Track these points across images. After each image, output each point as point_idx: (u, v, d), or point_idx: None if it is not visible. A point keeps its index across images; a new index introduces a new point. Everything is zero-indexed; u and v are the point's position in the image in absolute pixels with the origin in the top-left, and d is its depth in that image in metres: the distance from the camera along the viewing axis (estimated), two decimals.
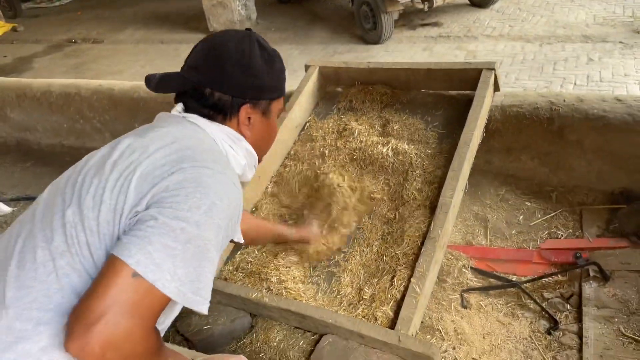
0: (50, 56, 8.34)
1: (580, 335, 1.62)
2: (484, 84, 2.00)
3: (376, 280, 1.71)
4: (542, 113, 2.11)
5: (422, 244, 1.68)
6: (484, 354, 1.59)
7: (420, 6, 5.91)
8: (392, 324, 1.52)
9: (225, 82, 1.18)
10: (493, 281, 1.86)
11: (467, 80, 2.10)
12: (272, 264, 1.87)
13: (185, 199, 0.93)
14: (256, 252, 1.97)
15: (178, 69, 1.24)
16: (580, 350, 1.57)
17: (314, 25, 7.17)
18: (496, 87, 2.09)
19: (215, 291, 1.77)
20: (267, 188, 2.20)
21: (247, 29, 1.28)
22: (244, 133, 1.23)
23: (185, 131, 1.12)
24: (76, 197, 0.99)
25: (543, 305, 1.75)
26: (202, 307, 0.93)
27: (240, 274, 1.89)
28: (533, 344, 1.63)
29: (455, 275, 1.85)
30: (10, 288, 0.92)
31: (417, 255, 1.67)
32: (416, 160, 1.98)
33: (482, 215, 2.13)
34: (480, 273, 1.90)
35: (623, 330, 1.58)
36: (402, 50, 5.86)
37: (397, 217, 1.88)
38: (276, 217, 2.09)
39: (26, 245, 0.97)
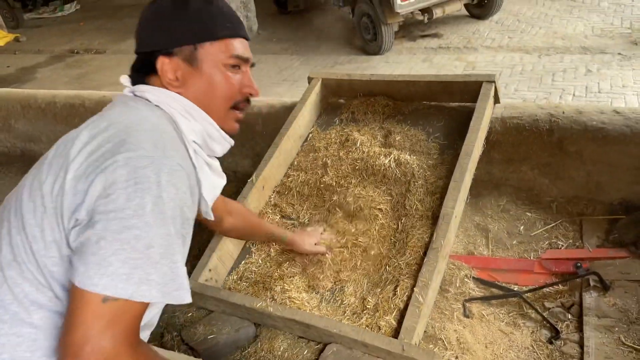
0: (52, 67, 8.40)
1: (581, 344, 1.63)
2: (485, 96, 2.03)
3: (379, 290, 1.73)
4: (541, 125, 2.15)
5: (425, 254, 1.70)
6: None
7: (420, 18, 5.98)
8: (396, 333, 1.54)
9: (140, 39, 1.11)
10: (495, 291, 1.88)
11: (467, 92, 2.13)
12: (276, 273, 1.89)
13: (126, 203, 0.86)
14: (260, 262, 1.99)
15: None
16: (581, 359, 1.58)
17: (314, 36, 7.24)
18: (496, 99, 2.13)
19: (219, 300, 1.79)
20: (270, 198, 2.22)
21: None
22: (174, 91, 1.09)
23: (123, 111, 1.03)
24: (18, 203, 0.97)
25: (544, 314, 1.76)
26: (187, 298, 0.93)
27: (244, 284, 1.91)
28: (535, 354, 1.65)
29: (457, 285, 1.87)
30: None
31: (419, 265, 1.69)
32: (418, 171, 2.01)
33: (484, 226, 2.16)
34: (482, 283, 1.92)
35: (623, 340, 1.60)
36: (402, 61, 5.92)
37: (399, 227, 1.90)
38: (279, 226, 2.11)
39: None
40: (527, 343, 1.69)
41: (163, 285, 0.88)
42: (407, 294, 1.64)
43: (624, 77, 4.51)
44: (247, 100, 1.20)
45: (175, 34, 1.07)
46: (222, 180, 1.27)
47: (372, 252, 1.87)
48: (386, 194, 2.03)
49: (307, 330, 1.66)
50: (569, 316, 1.76)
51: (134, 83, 1.12)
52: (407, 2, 5.51)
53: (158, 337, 1.83)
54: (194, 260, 2.30)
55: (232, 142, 1.23)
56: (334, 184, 2.12)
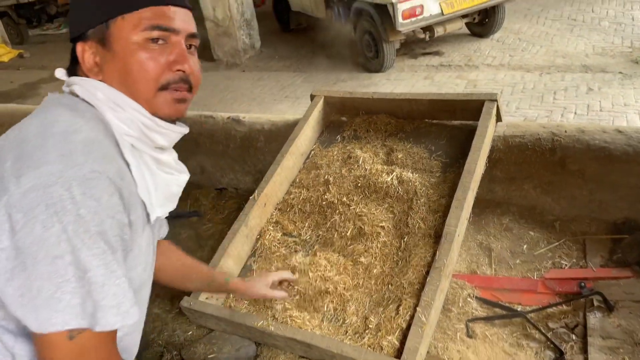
0: (56, 83, 8.41)
1: None
2: (487, 114, 2.03)
3: (382, 309, 1.71)
4: (544, 143, 2.15)
5: (428, 272, 1.69)
6: None
7: (422, 36, 6.02)
8: (398, 354, 1.52)
9: (69, 26, 1.00)
10: (498, 311, 1.86)
11: (469, 110, 2.14)
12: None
13: (45, 232, 0.76)
14: None
15: None
16: None
17: (316, 54, 7.29)
18: (498, 118, 2.13)
19: (219, 319, 1.78)
20: (271, 215, 2.22)
21: None
22: (96, 79, 0.96)
23: (35, 115, 0.94)
24: None
25: (548, 335, 1.74)
26: (136, 313, 0.86)
27: (245, 302, 1.90)
28: None
29: (460, 304, 1.85)
30: None
31: (422, 284, 1.68)
32: (420, 189, 2.01)
33: (487, 245, 2.14)
34: (486, 302, 1.90)
35: None
36: (404, 78, 5.95)
37: (402, 245, 1.89)
38: (281, 244, 2.11)
39: None
40: None
41: (117, 307, 0.82)
42: (409, 313, 1.62)
43: (626, 96, 4.52)
44: (184, 80, 0.98)
45: (86, 14, 0.95)
46: (178, 177, 1.07)
47: (375, 271, 1.86)
48: (388, 212, 2.02)
49: (309, 350, 1.64)
50: (573, 337, 1.74)
51: (70, 75, 1.01)
52: (408, 20, 5.56)
53: (158, 357, 1.81)
54: None
55: (177, 129, 1.02)
56: (336, 201, 2.11)
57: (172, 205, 1.07)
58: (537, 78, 5.25)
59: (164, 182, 1.02)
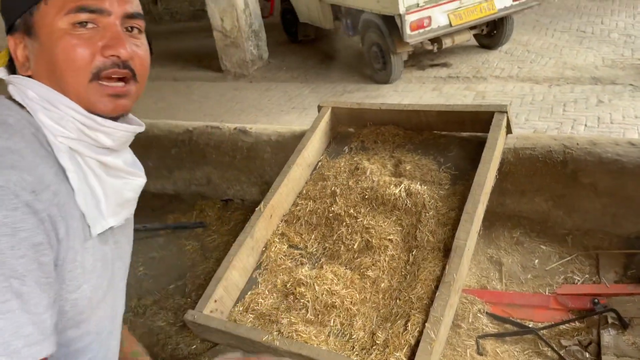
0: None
1: None
2: (497, 126, 2.00)
3: (389, 324, 1.67)
4: (555, 156, 2.11)
5: (437, 287, 1.65)
6: None
7: (430, 47, 6.00)
8: None
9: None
10: (509, 327, 1.82)
11: (479, 122, 2.11)
12: (282, 305, 1.84)
13: None
14: (266, 293, 1.94)
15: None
16: None
17: (324, 65, 7.29)
18: (509, 130, 2.10)
19: (224, 333, 1.74)
20: (277, 227, 2.19)
21: None
22: (25, 75, 0.86)
23: None
24: None
25: (561, 353, 1.70)
26: (44, 352, 0.72)
27: (251, 315, 1.86)
28: None
29: (470, 320, 1.81)
30: None
31: (431, 300, 1.64)
32: (429, 202, 1.97)
33: (497, 259, 2.10)
34: (496, 318, 1.85)
35: None
36: (412, 90, 5.92)
37: (410, 259, 1.86)
38: (286, 256, 2.08)
39: None
40: None
41: (2, 346, 0.67)
42: (418, 329, 1.58)
43: (636, 108, 4.47)
44: (120, 65, 0.84)
45: (13, 2, 0.84)
46: (131, 181, 0.93)
47: (382, 285, 1.82)
48: (396, 225, 1.99)
49: None
50: (587, 355, 1.69)
51: (10, 73, 0.89)
52: (416, 32, 5.55)
53: None
54: (198, 289, 2.27)
55: (124, 127, 0.88)
56: (343, 213, 2.08)
57: (127, 213, 0.94)
58: (547, 90, 5.21)
59: (113, 188, 0.89)
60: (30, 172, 0.75)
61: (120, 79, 0.85)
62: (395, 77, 6.11)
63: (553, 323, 1.80)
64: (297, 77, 7.07)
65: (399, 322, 1.66)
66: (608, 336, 1.71)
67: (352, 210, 2.08)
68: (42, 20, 0.81)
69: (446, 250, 1.78)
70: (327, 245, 2.07)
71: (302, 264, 2.03)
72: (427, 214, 1.94)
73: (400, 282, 1.81)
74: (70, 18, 0.80)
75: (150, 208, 3.05)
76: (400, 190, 2.03)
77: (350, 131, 2.49)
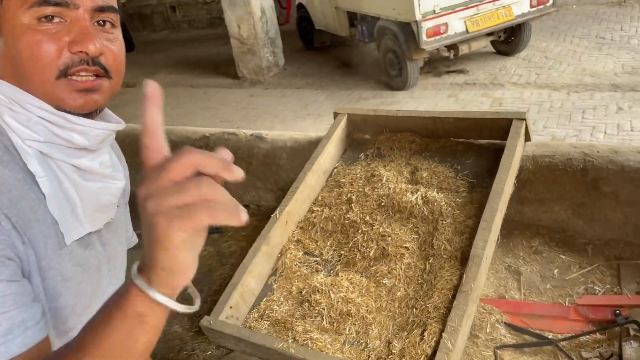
0: None
1: None
2: (515, 134, 1.98)
3: (406, 333, 1.65)
4: (575, 164, 2.08)
5: (454, 296, 1.63)
6: None
7: (446, 54, 5.97)
8: None
9: None
10: (528, 338, 1.79)
11: (497, 129, 2.09)
12: (297, 312, 1.84)
13: None
14: (282, 299, 1.94)
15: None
16: None
17: (339, 72, 7.30)
18: (527, 137, 2.07)
19: (239, 340, 1.74)
20: (293, 233, 2.18)
21: None
22: None
23: None
24: None
25: None
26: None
27: (266, 322, 1.86)
28: None
29: (488, 330, 1.78)
30: None
31: (448, 309, 1.62)
32: (446, 209, 1.95)
33: (515, 268, 2.07)
34: (515, 329, 1.82)
35: None
36: (428, 96, 5.90)
37: (427, 267, 1.84)
38: (302, 263, 2.07)
39: None
40: None
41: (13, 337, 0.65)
42: (435, 339, 1.56)
43: None
44: (89, 62, 0.78)
45: None
46: (108, 184, 0.87)
47: (398, 293, 1.81)
48: (413, 232, 1.97)
49: None
50: None
51: None
52: (433, 38, 5.53)
53: None
54: (214, 295, 2.27)
55: (99, 125, 0.82)
56: (359, 220, 2.07)
57: (106, 217, 0.89)
58: (565, 97, 5.14)
59: (89, 192, 0.83)
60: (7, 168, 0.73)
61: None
62: (411, 84, 6.09)
63: (573, 334, 1.76)
64: (313, 84, 7.08)
65: (415, 331, 1.64)
66: (630, 348, 1.67)
67: (368, 218, 2.07)
68: (5, 16, 0.75)
69: (463, 259, 1.75)
70: (342, 252, 2.06)
71: (317, 271, 2.02)
72: (444, 222, 1.92)
73: (416, 291, 1.79)
74: (34, 12, 0.74)
75: None
76: (416, 198, 2.01)
77: (366, 138, 2.48)
